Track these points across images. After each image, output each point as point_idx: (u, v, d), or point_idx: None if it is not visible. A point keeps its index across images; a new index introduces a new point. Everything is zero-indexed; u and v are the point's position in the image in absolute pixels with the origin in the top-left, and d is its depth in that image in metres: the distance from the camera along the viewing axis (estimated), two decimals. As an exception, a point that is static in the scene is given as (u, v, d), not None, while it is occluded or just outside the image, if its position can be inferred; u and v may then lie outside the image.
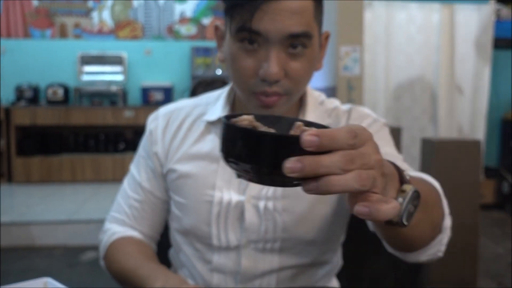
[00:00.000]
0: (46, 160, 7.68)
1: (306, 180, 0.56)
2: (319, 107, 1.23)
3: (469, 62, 5.64)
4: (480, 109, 5.74)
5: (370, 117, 1.21)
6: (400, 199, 0.68)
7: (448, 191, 2.53)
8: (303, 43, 1.03)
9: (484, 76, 5.71)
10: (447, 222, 0.96)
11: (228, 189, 1.17)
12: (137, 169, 1.28)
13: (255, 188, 1.16)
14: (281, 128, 0.67)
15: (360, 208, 0.58)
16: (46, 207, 6.25)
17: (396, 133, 3.44)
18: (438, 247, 0.97)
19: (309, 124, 0.65)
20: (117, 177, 7.76)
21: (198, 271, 1.20)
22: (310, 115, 1.19)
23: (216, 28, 1.16)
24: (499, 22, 5.96)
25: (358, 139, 0.57)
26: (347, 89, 4.61)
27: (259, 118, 0.65)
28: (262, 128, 0.62)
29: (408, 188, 0.69)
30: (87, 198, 6.80)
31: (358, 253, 1.43)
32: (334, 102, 1.26)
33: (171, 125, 1.26)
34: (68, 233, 5.44)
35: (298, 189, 1.27)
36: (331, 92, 4.70)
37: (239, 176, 0.60)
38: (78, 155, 7.81)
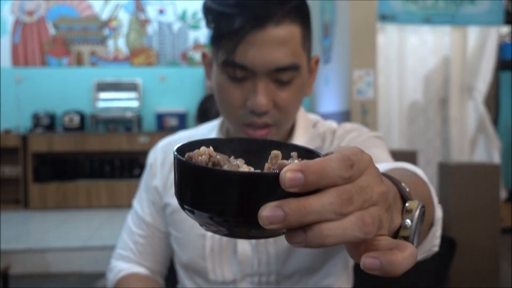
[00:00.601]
0: (62, 186, 7.72)
1: (291, 230, 0.42)
2: (311, 130, 1.18)
3: (480, 83, 5.61)
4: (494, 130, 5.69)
5: (355, 131, 1.15)
6: (408, 221, 0.56)
7: (467, 215, 2.49)
8: (291, 75, 1.00)
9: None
10: (438, 213, 0.85)
11: None
12: (140, 204, 1.27)
13: None
14: (256, 157, 0.51)
15: (369, 261, 0.44)
16: (61, 234, 6.26)
17: (412, 157, 3.41)
18: (432, 242, 0.86)
19: (292, 147, 0.51)
20: (132, 203, 7.76)
21: None
22: (299, 139, 1.15)
23: (204, 55, 1.14)
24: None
25: (355, 167, 0.43)
26: (361, 113, 4.59)
27: (229, 142, 0.52)
28: (228, 164, 0.47)
29: (414, 206, 0.57)
30: (102, 224, 6.81)
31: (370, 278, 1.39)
32: (327, 125, 1.21)
33: (168, 158, 1.25)
34: (83, 259, 5.44)
35: None
36: (345, 116, 4.69)
37: (201, 225, 0.46)
38: (93, 181, 7.85)
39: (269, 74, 1.00)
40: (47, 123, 7.75)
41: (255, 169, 0.49)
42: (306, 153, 0.50)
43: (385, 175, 0.61)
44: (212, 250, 1.15)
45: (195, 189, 0.43)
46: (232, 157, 0.49)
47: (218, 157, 0.47)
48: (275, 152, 0.47)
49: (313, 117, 1.24)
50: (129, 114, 7.77)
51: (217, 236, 1.15)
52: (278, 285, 1.12)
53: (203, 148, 0.47)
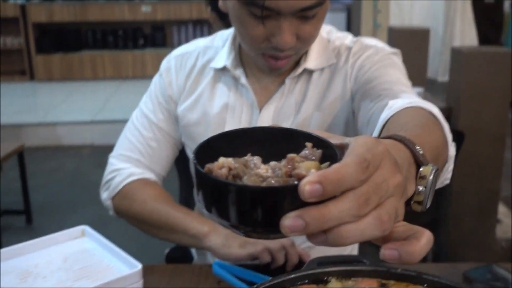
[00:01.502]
0: (66, 57, 7.66)
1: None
2: (325, 46, 1.17)
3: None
4: None
5: (372, 48, 1.14)
6: (420, 188, 0.57)
7: (477, 102, 2.48)
8: (315, 10, 0.98)
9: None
10: (452, 151, 0.85)
11: None
12: (151, 109, 1.24)
13: None
14: (271, 146, 0.51)
15: (388, 253, 0.46)
16: (70, 107, 6.34)
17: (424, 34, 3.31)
18: (445, 176, 0.88)
19: (306, 136, 0.50)
20: (137, 74, 7.75)
21: None
22: (312, 60, 1.14)
23: None
24: None
25: (372, 166, 0.44)
26: None
27: (243, 133, 0.51)
28: (248, 174, 0.46)
29: (427, 171, 0.58)
30: (109, 96, 6.86)
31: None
32: (342, 38, 1.19)
33: (183, 69, 1.23)
34: (93, 133, 5.56)
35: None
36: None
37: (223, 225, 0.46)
38: (97, 52, 7.76)
39: (294, 13, 0.97)
40: (44, -9, 7.49)
41: (270, 160, 0.49)
42: (320, 142, 0.49)
43: (401, 138, 0.61)
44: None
45: (216, 201, 0.44)
46: (249, 155, 0.49)
47: (236, 165, 0.46)
48: (290, 156, 0.47)
49: (326, 28, 1.19)
50: (129, -19, 7.46)
51: None
52: None
53: (222, 160, 0.47)
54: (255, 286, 0.71)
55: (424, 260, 2.23)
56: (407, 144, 0.60)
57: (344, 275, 0.75)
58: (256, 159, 0.49)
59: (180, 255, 1.42)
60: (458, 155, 1.98)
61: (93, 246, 1.01)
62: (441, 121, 0.85)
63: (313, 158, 0.48)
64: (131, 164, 1.23)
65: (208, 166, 0.46)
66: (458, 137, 1.97)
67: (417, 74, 3.32)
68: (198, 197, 0.47)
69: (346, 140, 0.48)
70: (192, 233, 1.09)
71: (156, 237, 1.19)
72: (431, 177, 0.57)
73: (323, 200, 0.42)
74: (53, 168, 4.82)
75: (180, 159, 1.31)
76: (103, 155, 5.00)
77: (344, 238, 0.43)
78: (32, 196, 3.70)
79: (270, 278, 0.92)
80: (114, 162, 1.24)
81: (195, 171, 0.46)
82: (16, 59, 7.61)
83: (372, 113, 0.98)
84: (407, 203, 0.57)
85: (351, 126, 1.14)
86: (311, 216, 0.41)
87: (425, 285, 0.72)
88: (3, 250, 0.97)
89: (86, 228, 1.05)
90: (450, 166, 0.87)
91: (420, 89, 3.00)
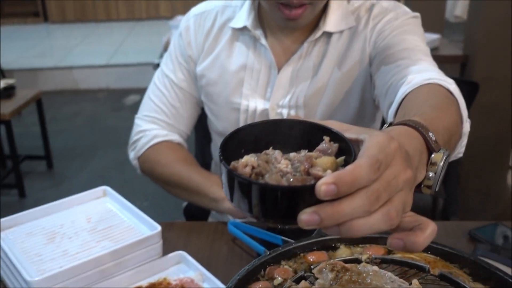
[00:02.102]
0: (79, -2, 7.58)
1: None
2: (345, 5, 1.16)
3: None
4: None
5: (393, 12, 1.13)
6: (430, 174, 0.61)
7: (493, 53, 2.43)
8: None
9: None
10: (466, 127, 0.89)
11: (254, 97, 1.19)
12: (172, 69, 1.26)
13: (278, 96, 1.17)
14: (290, 138, 0.55)
15: (394, 242, 0.51)
16: (85, 50, 6.33)
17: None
18: (458, 150, 0.91)
19: (324, 130, 0.53)
20: (151, 15, 7.67)
21: None
22: (331, 22, 1.14)
23: None
24: None
25: (383, 166, 0.47)
26: None
27: (264, 125, 0.55)
28: (270, 172, 0.50)
29: (438, 158, 0.61)
30: (123, 38, 6.81)
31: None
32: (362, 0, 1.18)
33: (202, 28, 1.24)
34: (109, 77, 5.59)
35: (320, 95, 1.20)
36: None
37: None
38: (110, -8, 7.66)
39: None
40: None
41: (289, 150, 0.53)
42: (337, 136, 0.52)
43: (416, 125, 0.63)
44: (245, 122, 1.20)
45: (239, 196, 0.49)
46: (271, 148, 0.53)
47: (259, 162, 0.50)
48: (308, 154, 0.51)
49: None
50: None
51: (249, 111, 1.20)
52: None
53: (246, 158, 0.51)
54: (268, 253, 0.75)
55: (434, 212, 2.28)
56: (421, 131, 0.63)
57: (352, 242, 0.79)
58: (277, 153, 0.52)
59: (197, 208, 1.47)
60: (472, 105, 1.97)
61: (114, 206, 1.06)
62: (457, 98, 0.87)
63: (330, 151, 0.52)
64: (156, 125, 1.27)
65: (233, 163, 0.50)
66: (473, 88, 1.96)
67: (436, 18, 3.26)
68: (223, 189, 0.51)
69: (361, 136, 0.51)
70: (212, 197, 1.13)
71: (177, 198, 1.24)
72: (441, 163, 0.61)
73: (337, 198, 0.45)
74: (71, 113, 4.89)
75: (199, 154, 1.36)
76: (119, 99, 5.02)
77: (355, 232, 0.47)
78: (52, 141, 3.79)
79: (281, 237, 0.97)
80: (140, 123, 1.28)
81: (220, 166, 0.50)
82: (29, 1, 7.56)
83: (390, 85, 1.00)
84: (417, 186, 0.61)
85: (368, 91, 1.15)
86: (326, 212, 0.46)
87: (429, 252, 0.76)
88: (30, 211, 1.02)
89: (107, 189, 1.10)
90: (464, 141, 0.90)
91: (437, 36, 2.96)
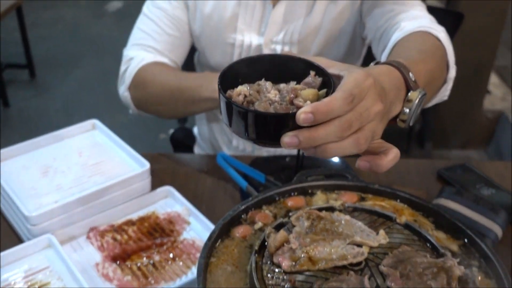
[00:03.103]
0: None
1: None
2: None
3: None
4: None
5: None
6: (405, 109, 0.68)
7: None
8: None
9: None
10: (452, 73, 0.97)
11: (249, 32, 1.19)
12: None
13: (272, 31, 1.18)
14: (281, 71, 0.63)
15: (361, 164, 0.60)
16: None
17: None
18: (443, 94, 1.00)
19: (311, 66, 0.62)
20: None
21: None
22: None
23: None
24: None
25: (356, 99, 0.55)
26: None
27: (259, 60, 0.64)
28: (259, 100, 0.59)
29: (414, 96, 0.68)
30: None
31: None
32: None
33: None
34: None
35: (314, 33, 1.23)
36: None
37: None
38: None
39: None
40: None
41: (280, 82, 0.62)
42: (321, 71, 0.61)
43: (398, 65, 0.70)
44: (239, 57, 1.21)
45: (233, 120, 0.58)
46: (263, 80, 0.62)
47: (251, 92, 0.59)
48: (294, 86, 0.60)
49: None
50: None
51: (245, 45, 1.20)
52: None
53: (239, 88, 0.59)
54: (247, 199, 0.82)
55: (410, 137, 2.36)
56: (402, 70, 0.70)
57: (328, 189, 0.86)
58: (268, 84, 0.61)
59: (183, 135, 1.52)
60: (456, 34, 1.99)
61: (104, 140, 1.10)
62: (445, 46, 0.95)
63: (314, 84, 0.61)
64: (144, 51, 1.21)
65: (229, 92, 0.59)
66: (457, 18, 1.97)
67: None
68: (222, 115, 0.60)
69: (342, 72, 0.59)
70: (205, 97, 1.07)
71: (176, 116, 1.21)
72: (416, 101, 0.68)
73: (315, 124, 0.54)
74: (52, 19, 4.75)
75: (184, 67, 1.33)
76: (100, 5, 4.87)
77: (328, 153, 0.56)
78: (34, 48, 3.72)
79: (264, 176, 1.04)
80: (127, 53, 1.23)
81: (219, 95, 0.59)
82: None
83: (384, 30, 1.06)
84: (393, 119, 0.69)
85: (357, 29, 1.19)
86: (304, 136, 0.55)
87: (398, 200, 0.83)
88: (22, 144, 1.06)
89: (96, 122, 1.14)
90: (449, 85, 0.99)
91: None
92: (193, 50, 1.34)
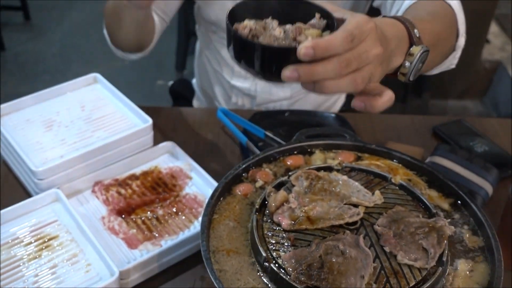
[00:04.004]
0: None
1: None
2: None
3: None
4: None
5: None
6: (406, 63, 0.71)
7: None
8: None
9: None
10: (461, 41, 0.99)
11: None
12: None
13: None
14: (288, 14, 0.67)
15: (356, 103, 0.64)
16: None
17: None
18: (451, 62, 1.02)
19: (315, 8, 0.66)
20: None
21: (224, 57, 1.27)
22: None
23: None
24: None
25: (356, 39, 0.58)
26: None
27: (269, 2, 0.67)
28: (264, 34, 0.63)
29: (416, 51, 0.71)
30: None
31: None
32: None
33: None
34: None
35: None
36: None
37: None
38: None
39: None
40: None
41: (286, 23, 0.65)
42: (326, 14, 0.65)
43: (403, 20, 0.73)
44: None
45: (238, 52, 0.62)
46: (270, 18, 0.66)
47: (256, 27, 0.63)
48: (299, 24, 0.64)
49: None
50: None
51: None
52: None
53: (246, 22, 0.63)
54: (248, 158, 0.84)
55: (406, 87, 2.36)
56: (407, 25, 0.73)
57: (326, 148, 0.88)
58: (274, 22, 0.65)
59: (182, 86, 1.53)
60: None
61: (106, 94, 1.12)
62: (457, 13, 0.96)
63: (318, 26, 0.65)
64: None
65: (236, 25, 0.63)
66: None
67: None
68: (228, 48, 0.64)
69: (345, 16, 0.61)
70: (122, 1, 1.01)
71: (128, 35, 1.14)
72: (418, 55, 0.71)
73: (315, 60, 0.57)
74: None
75: (182, 19, 1.31)
76: None
77: (326, 90, 0.59)
78: (27, -11, 3.65)
79: (264, 131, 1.06)
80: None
81: (226, 28, 0.62)
82: None
83: None
84: (394, 73, 0.73)
85: None
86: (304, 70, 0.57)
87: (394, 160, 0.86)
88: (25, 98, 1.07)
89: (98, 76, 1.15)
90: (457, 53, 1.00)
91: None
92: (189, 5, 1.33)
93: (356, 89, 0.60)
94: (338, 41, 0.57)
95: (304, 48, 0.56)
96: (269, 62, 0.60)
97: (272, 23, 0.65)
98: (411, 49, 0.71)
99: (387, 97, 0.64)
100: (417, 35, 0.73)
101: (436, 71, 1.03)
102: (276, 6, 0.68)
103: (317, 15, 0.65)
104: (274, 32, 0.63)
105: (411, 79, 0.73)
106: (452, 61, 1.02)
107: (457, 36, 0.99)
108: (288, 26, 0.64)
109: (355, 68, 0.59)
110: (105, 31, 1.20)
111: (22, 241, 0.84)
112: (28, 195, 0.96)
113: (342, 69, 0.58)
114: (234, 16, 0.64)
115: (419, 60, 0.72)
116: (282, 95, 1.30)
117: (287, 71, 0.58)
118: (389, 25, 0.70)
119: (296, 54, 0.57)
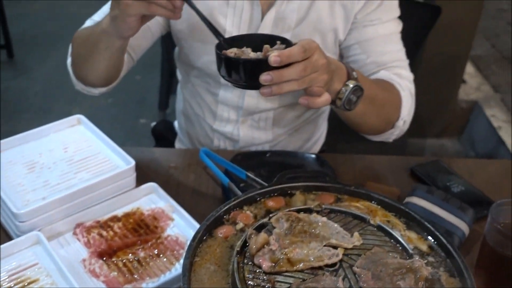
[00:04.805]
0: None
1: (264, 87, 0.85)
2: None
3: None
4: None
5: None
6: (343, 89, 0.95)
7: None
8: None
9: None
10: (400, 123, 1.16)
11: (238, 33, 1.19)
12: None
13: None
14: (259, 44, 0.90)
15: (301, 100, 0.89)
16: None
17: None
18: (387, 137, 1.20)
19: (280, 39, 0.91)
20: None
21: (206, 102, 1.30)
22: None
23: None
24: None
25: (307, 51, 0.82)
26: None
27: (246, 37, 0.96)
28: (243, 55, 0.89)
29: (351, 83, 0.95)
30: None
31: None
32: None
33: None
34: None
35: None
36: None
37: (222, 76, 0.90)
38: None
39: None
40: None
41: (257, 51, 0.90)
42: (286, 42, 0.90)
43: (346, 64, 0.99)
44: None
45: (229, 68, 0.86)
46: (245, 47, 0.91)
47: (237, 53, 0.89)
48: (266, 46, 0.88)
49: None
50: None
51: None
52: (281, 96, 1.21)
53: (230, 49, 0.89)
54: (229, 200, 0.86)
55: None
56: (347, 66, 0.97)
57: (306, 190, 0.90)
58: (249, 50, 0.90)
59: (165, 128, 1.54)
60: (433, 26, 2.03)
61: (89, 136, 1.13)
62: (402, 99, 1.16)
63: (279, 49, 0.88)
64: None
65: (224, 51, 0.89)
66: (435, 12, 2.02)
67: None
68: (220, 70, 0.88)
69: (298, 42, 0.84)
70: (103, 27, 1.02)
71: (93, 61, 1.11)
72: (351, 85, 0.95)
73: (282, 67, 0.82)
74: (29, -4, 4.67)
75: (165, 59, 1.34)
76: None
77: (283, 90, 0.84)
78: (11, 27, 3.67)
79: (245, 172, 1.07)
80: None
81: (216, 54, 0.88)
82: None
83: (363, 65, 1.22)
84: (333, 102, 0.96)
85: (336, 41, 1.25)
86: (275, 74, 0.82)
87: (373, 201, 0.88)
88: (7, 139, 1.08)
89: (81, 117, 1.16)
90: (394, 132, 1.19)
91: None
92: (172, 46, 1.34)
93: (300, 87, 0.85)
94: (296, 51, 0.82)
95: (273, 56, 0.81)
96: (250, 71, 0.84)
97: (248, 50, 0.90)
98: (347, 82, 0.95)
99: (324, 98, 0.89)
100: (355, 76, 0.97)
101: (374, 138, 1.22)
102: (250, 39, 0.94)
103: (278, 42, 0.90)
104: (250, 55, 0.90)
105: (345, 105, 0.96)
106: (389, 137, 1.20)
107: (398, 117, 1.16)
108: (258, 53, 0.89)
109: (310, 73, 0.84)
110: (68, 62, 1.19)
111: (1, 286, 0.83)
112: (9, 237, 0.95)
113: (301, 72, 0.83)
114: (221, 47, 0.90)
115: (352, 91, 0.95)
116: (264, 138, 1.32)
117: (263, 75, 0.82)
118: (332, 58, 0.93)
119: (268, 63, 0.81)
